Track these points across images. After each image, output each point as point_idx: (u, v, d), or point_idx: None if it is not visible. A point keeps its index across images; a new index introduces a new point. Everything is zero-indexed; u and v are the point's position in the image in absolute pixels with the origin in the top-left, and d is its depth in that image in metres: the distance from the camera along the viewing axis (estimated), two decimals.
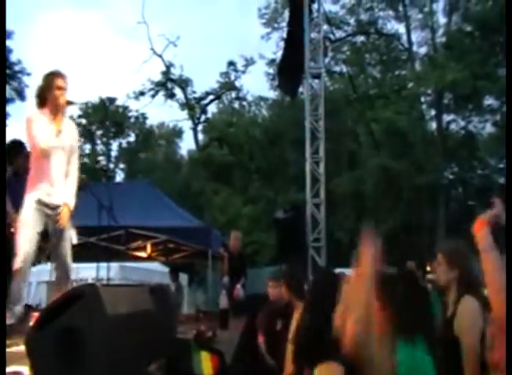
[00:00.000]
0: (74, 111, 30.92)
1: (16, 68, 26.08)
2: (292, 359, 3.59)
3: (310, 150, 9.11)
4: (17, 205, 5.48)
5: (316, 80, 9.62)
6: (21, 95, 26.04)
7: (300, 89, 11.18)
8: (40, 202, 4.26)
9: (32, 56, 32.76)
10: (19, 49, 25.99)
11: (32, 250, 4.20)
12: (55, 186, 4.32)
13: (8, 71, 25.63)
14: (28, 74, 26.20)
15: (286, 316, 4.15)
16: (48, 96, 4.22)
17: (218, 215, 21.29)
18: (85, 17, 49.22)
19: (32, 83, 26.29)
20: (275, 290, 4.50)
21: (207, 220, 12.51)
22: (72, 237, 4.52)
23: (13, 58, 25.84)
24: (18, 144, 5.70)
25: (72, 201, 4.41)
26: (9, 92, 25.61)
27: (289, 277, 4.24)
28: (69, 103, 4.33)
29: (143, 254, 10.60)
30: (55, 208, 4.30)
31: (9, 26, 25.20)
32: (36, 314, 3.07)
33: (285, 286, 4.18)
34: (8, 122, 24.39)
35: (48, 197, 4.29)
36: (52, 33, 46.84)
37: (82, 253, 9.28)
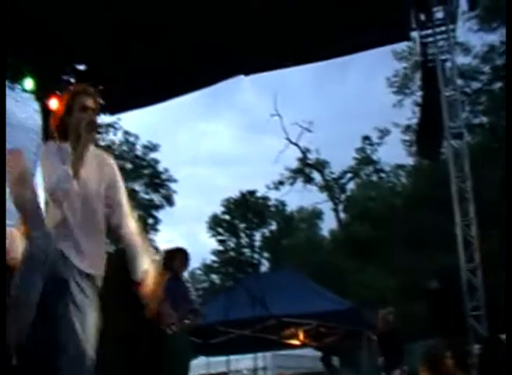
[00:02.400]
0: (216, 208, 33.00)
1: (164, 176, 28.47)
2: None
3: (459, 213, 8.81)
4: (177, 306, 6.05)
5: (457, 140, 9.37)
6: (169, 201, 28.23)
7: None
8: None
9: (177, 164, 35.64)
10: (165, 159, 28.50)
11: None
12: (81, 247, 2.72)
13: (156, 180, 28.25)
14: (175, 181, 28.53)
15: None
16: (68, 121, 2.83)
17: (365, 292, 20.86)
18: (219, 119, 52.92)
19: (180, 189, 28.71)
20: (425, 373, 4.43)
21: (354, 299, 12.41)
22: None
23: (160, 167, 28.37)
24: (178, 251, 6.34)
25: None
26: (159, 199, 28.02)
27: (452, 350, 4.18)
28: (93, 125, 2.80)
29: (295, 341, 10.69)
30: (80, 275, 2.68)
31: (155, 140, 28.10)
32: None
33: (450, 359, 4.12)
34: (159, 227, 26.66)
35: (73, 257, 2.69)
36: (192, 139, 50.79)
37: (238, 345, 9.75)
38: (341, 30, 6.95)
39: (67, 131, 2.81)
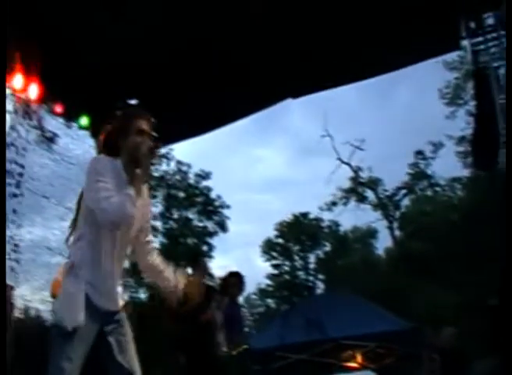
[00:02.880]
0: (269, 232, 33.01)
1: (217, 203, 28.65)
2: None
3: None
4: (235, 331, 6.11)
5: None
6: (223, 227, 28.43)
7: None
8: (90, 304, 2.51)
9: (229, 190, 35.94)
10: (217, 187, 28.85)
11: None
12: (113, 282, 2.64)
13: (209, 207, 28.57)
14: (228, 207, 28.67)
15: None
16: (121, 142, 2.69)
17: (424, 310, 20.34)
18: (269, 143, 53.25)
19: (232, 215, 28.74)
20: None
21: (413, 318, 12.18)
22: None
23: (213, 195, 28.58)
24: (233, 275, 6.45)
25: None
26: (212, 226, 28.28)
27: None
28: (154, 151, 2.66)
29: (354, 364, 10.55)
30: (110, 314, 2.62)
31: (207, 167, 28.55)
32: None
33: None
34: (213, 253, 26.85)
35: (103, 297, 2.58)
36: (243, 164, 51.38)
37: (296, 369, 9.70)
38: (390, 45, 6.90)
39: (117, 151, 2.68)
